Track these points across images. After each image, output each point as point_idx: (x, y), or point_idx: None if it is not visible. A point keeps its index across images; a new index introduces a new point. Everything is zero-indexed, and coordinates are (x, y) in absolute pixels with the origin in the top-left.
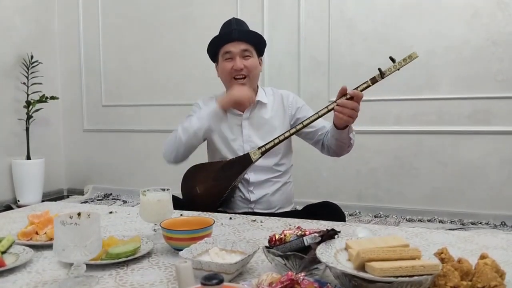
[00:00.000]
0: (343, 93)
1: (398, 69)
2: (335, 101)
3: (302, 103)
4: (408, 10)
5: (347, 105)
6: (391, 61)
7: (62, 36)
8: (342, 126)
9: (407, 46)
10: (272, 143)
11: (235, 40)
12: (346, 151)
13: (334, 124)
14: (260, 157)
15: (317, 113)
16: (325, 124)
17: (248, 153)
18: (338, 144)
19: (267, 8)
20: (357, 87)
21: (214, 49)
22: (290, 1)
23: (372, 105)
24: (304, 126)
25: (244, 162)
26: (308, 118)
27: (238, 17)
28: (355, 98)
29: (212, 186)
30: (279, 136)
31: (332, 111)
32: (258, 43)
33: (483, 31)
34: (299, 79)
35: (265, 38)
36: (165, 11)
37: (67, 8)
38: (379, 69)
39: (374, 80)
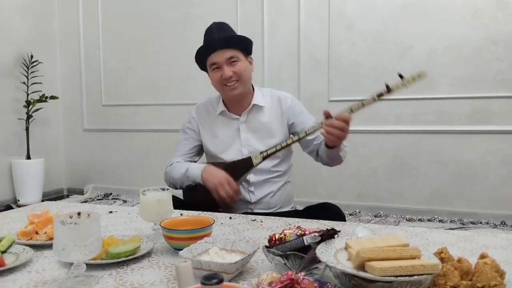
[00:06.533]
0: (327, 116)
1: (406, 87)
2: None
3: (300, 109)
4: (408, 10)
5: (334, 124)
6: (399, 78)
7: (62, 36)
8: (331, 145)
9: (407, 46)
10: (274, 149)
11: (218, 50)
12: (337, 164)
13: (324, 142)
14: (261, 162)
15: (305, 131)
16: None
17: (250, 156)
18: (329, 159)
19: (267, 8)
20: (362, 101)
21: (201, 60)
22: (290, 1)
23: (372, 104)
24: (300, 139)
25: (245, 165)
26: (306, 130)
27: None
28: (343, 119)
29: None
30: (281, 143)
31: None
32: (243, 46)
33: (483, 30)
34: (299, 79)
35: (263, 38)
36: (165, 11)
37: (67, 8)
38: (386, 85)
39: (380, 95)
